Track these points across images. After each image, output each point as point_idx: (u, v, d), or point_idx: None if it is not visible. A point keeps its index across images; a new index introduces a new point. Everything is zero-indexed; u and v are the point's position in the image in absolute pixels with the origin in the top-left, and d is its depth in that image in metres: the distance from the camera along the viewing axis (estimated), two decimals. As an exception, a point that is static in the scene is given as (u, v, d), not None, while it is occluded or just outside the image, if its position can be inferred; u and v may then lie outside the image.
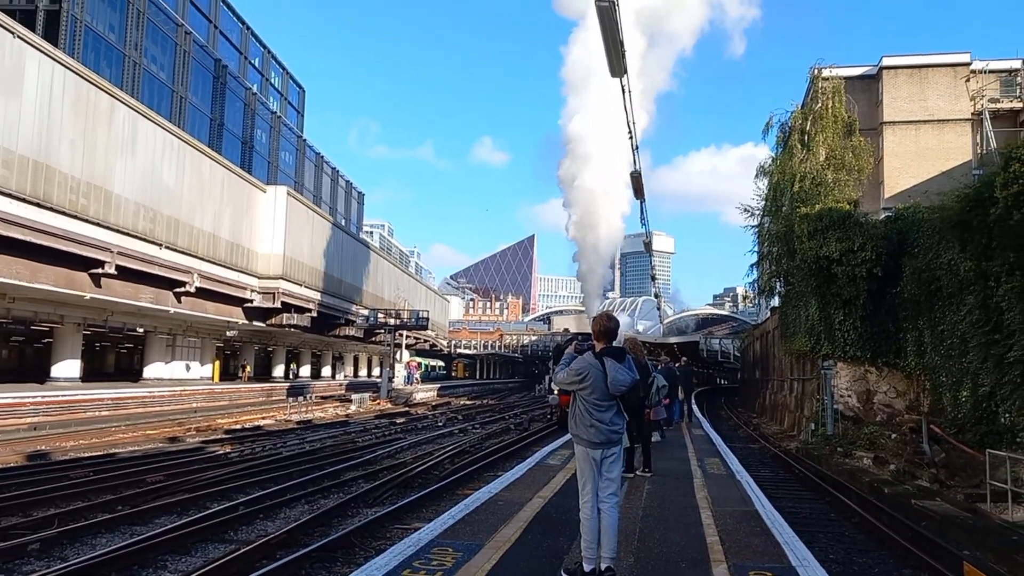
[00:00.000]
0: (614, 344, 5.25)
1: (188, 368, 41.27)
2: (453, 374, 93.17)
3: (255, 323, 41.62)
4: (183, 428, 24.09)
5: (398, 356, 50.95)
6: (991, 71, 31.78)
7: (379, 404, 40.46)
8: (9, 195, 22.75)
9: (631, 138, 11.81)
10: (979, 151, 30.66)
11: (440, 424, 27.60)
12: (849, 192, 23.82)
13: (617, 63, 7.62)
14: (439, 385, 57.38)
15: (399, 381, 47.44)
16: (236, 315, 39.32)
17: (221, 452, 18.20)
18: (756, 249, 31.13)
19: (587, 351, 5.20)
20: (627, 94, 9.53)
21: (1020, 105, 31.26)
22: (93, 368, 46.76)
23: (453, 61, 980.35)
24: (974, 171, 26.93)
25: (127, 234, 28.70)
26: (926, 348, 17.36)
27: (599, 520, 4.96)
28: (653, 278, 40.83)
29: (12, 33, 23.08)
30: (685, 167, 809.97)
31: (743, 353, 53.55)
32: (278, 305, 40.81)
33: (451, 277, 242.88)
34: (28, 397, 24.86)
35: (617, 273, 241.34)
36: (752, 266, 32.31)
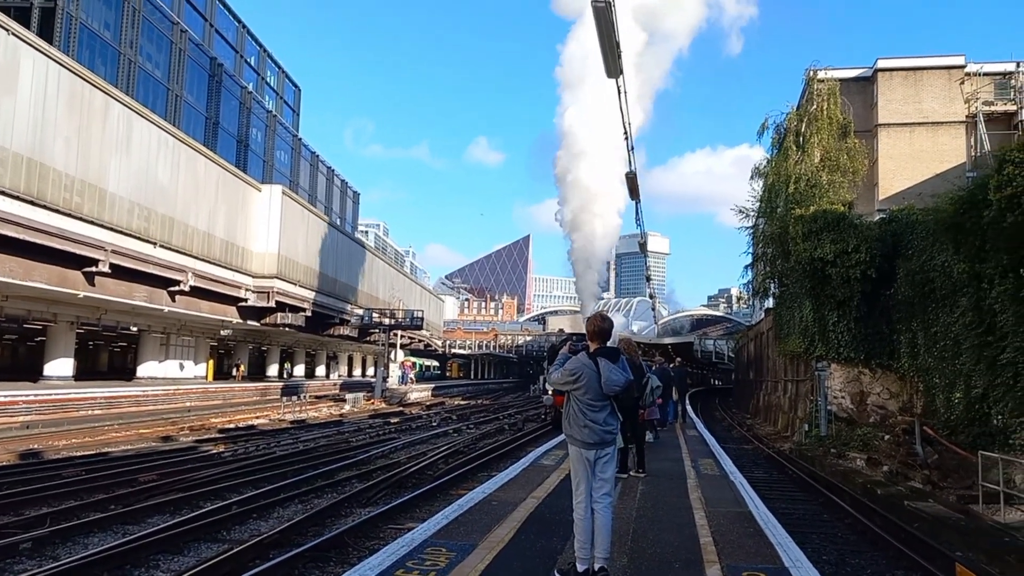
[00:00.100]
0: (608, 344, 5.26)
1: (182, 367, 41.16)
2: (448, 374, 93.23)
3: (249, 322, 41.51)
4: (176, 427, 24.03)
5: (392, 356, 50.89)
6: (985, 74, 31.91)
7: (373, 404, 40.43)
8: (3, 193, 22.66)
9: (627, 139, 11.82)
10: (973, 153, 30.79)
11: (434, 424, 27.59)
12: (844, 194, 23.91)
13: (613, 63, 7.63)
14: (433, 385, 57.35)
15: (393, 381, 47.39)
16: (230, 314, 39.22)
17: (215, 451, 18.16)
18: (751, 250, 31.22)
19: (581, 351, 5.21)
20: (623, 95, 9.54)
21: (1014, 108, 31.42)
22: (86, 367, 46.62)
23: (450, 61, 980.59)
24: (968, 173, 27.05)
25: (121, 232, 28.60)
26: (919, 350, 17.42)
27: (593, 520, 4.96)
28: (648, 279, 40.93)
29: (7, 30, 23.00)
30: (680, 168, 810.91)
31: (737, 354, 53.66)
32: (272, 304, 40.71)
33: (446, 277, 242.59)
34: (21, 395, 24.75)
35: (612, 274, 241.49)
36: (747, 267, 32.44)
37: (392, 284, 68.59)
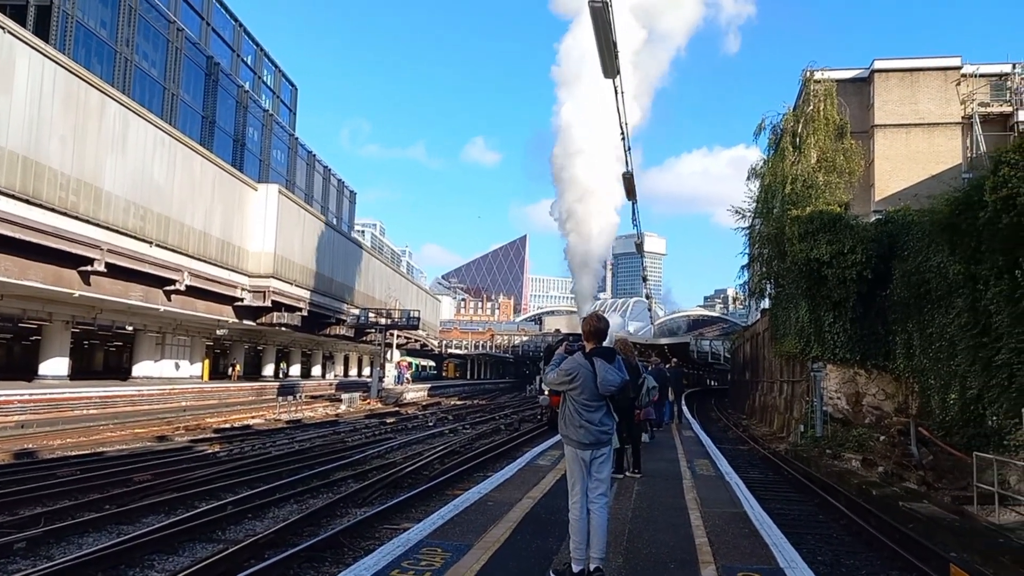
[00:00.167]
0: (604, 345, 5.26)
1: (177, 367, 41.04)
2: (444, 374, 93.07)
3: (245, 322, 41.43)
4: (172, 427, 23.97)
5: (388, 356, 50.81)
6: (982, 75, 32.04)
7: (369, 404, 40.40)
8: (-2, 191, 22.58)
9: (624, 138, 11.83)
10: (969, 155, 30.90)
11: (430, 424, 27.57)
12: (840, 195, 23.96)
13: (610, 63, 7.64)
14: (429, 385, 57.32)
15: (389, 381, 47.34)
16: (226, 314, 39.13)
17: (210, 451, 18.12)
18: (747, 251, 31.26)
19: (577, 351, 5.20)
20: (620, 95, 9.55)
21: (1010, 109, 31.53)
22: (81, 366, 46.47)
23: (447, 61, 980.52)
24: (964, 175, 27.13)
25: (117, 231, 28.50)
26: (915, 351, 17.47)
27: (588, 520, 4.96)
28: (644, 279, 41.00)
29: (3, 29, 22.90)
30: (677, 168, 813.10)
31: (733, 355, 53.71)
32: (268, 304, 40.61)
33: (442, 277, 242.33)
34: (15, 395, 24.64)
35: (609, 274, 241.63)
36: (743, 268, 32.48)
37: (388, 284, 68.51)
